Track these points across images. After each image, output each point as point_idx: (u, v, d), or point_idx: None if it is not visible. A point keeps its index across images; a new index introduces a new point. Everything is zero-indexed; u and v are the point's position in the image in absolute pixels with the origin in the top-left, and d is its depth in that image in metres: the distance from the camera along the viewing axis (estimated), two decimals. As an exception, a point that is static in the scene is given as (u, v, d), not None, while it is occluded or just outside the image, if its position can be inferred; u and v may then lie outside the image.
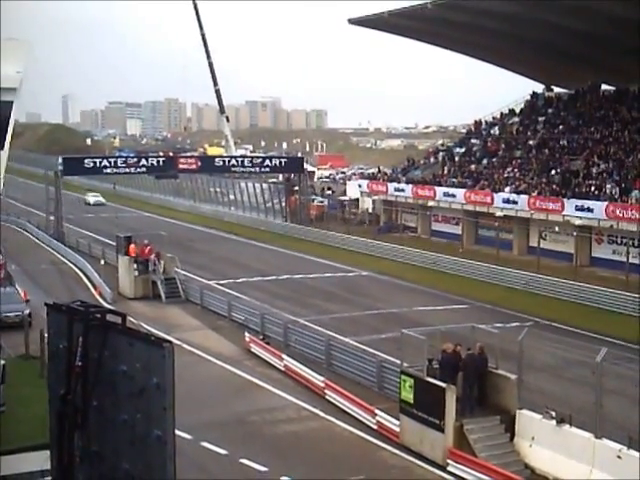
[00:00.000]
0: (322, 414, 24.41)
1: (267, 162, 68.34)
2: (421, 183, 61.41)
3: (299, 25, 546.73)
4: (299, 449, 22.09)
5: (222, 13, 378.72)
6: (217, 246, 58.81)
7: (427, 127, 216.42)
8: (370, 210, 67.40)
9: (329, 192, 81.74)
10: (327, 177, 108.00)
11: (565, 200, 48.16)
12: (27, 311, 32.63)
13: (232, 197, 76.97)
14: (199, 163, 66.64)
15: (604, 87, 60.65)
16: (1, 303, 32.84)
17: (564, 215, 47.93)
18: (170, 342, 7.02)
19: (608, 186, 47.44)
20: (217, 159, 71.20)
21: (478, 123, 68.01)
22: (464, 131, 76.94)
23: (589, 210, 46.44)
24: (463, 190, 56.18)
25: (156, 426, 7.06)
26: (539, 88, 66.79)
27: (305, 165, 73.85)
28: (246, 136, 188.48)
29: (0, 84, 17.71)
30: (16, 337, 27.68)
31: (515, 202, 51.56)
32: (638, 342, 29.42)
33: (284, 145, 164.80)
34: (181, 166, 64.67)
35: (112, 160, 64.00)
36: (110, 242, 49.00)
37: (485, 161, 60.58)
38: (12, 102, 18.55)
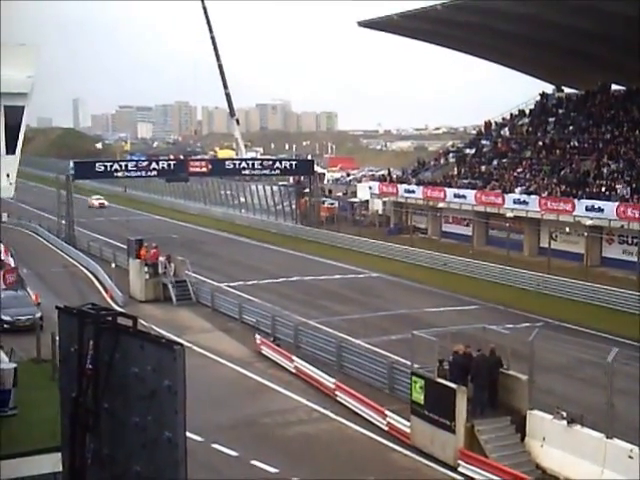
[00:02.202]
0: (333, 416, 24.45)
1: (277, 165, 68.51)
2: (431, 184, 61.35)
3: (309, 28, 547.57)
4: (310, 451, 22.13)
5: (232, 16, 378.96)
6: (228, 248, 58.88)
7: (437, 128, 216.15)
8: (380, 212, 67.34)
9: (329, 194, 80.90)
10: (337, 180, 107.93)
11: (576, 200, 48.03)
12: (38, 314, 32.78)
13: (243, 200, 77.01)
14: (210, 166, 66.68)
15: (614, 87, 60.50)
16: (13, 306, 33.06)
17: (575, 215, 47.80)
18: (181, 344, 7.06)
19: (619, 186, 47.33)
20: (227, 162, 71.35)
21: (488, 124, 67.89)
22: (474, 132, 76.86)
23: (600, 210, 46.30)
24: (473, 191, 56.09)
25: (167, 428, 7.09)
26: (549, 89, 66.70)
27: (315, 167, 73.85)
28: (256, 139, 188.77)
29: (11, 89, 17.81)
30: (27, 340, 27.73)
31: (526, 203, 51.46)
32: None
33: (294, 147, 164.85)
34: (192, 169, 64.77)
35: (123, 164, 64.29)
36: (121, 245, 49.16)
37: (495, 162, 60.49)
38: (23, 107, 18.63)
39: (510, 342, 21.85)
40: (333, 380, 26.25)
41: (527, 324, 32.83)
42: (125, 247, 45.31)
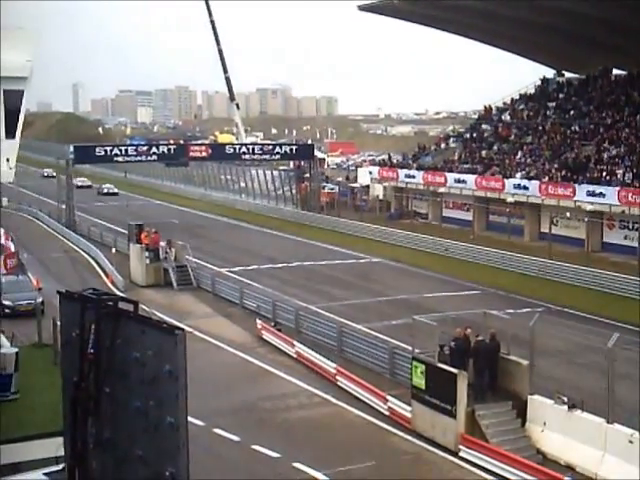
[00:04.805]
0: (334, 400, 24.46)
1: (277, 149, 68.38)
2: (432, 169, 61.27)
3: (309, 12, 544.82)
4: (311, 435, 22.14)
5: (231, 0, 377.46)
6: (228, 234, 58.84)
7: (438, 113, 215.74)
8: (381, 197, 67.27)
9: (327, 180, 79.98)
10: (337, 164, 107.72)
11: (576, 185, 47.98)
12: (39, 299, 32.74)
13: (243, 185, 76.94)
14: (210, 151, 66.57)
15: (615, 72, 60.31)
16: (14, 291, 33.08)
17: (575, 201, 47.76)
18: (182, 329, 7.05)
19: (620, 171, 47.24)
20: (228, 147, 71.23)
21: (489, 109, 67.73)
22: (475, 117, 76.71)
23: (601, 195, 46.24)
24: (474, 176, 56.03)
25: (169, 413, 7.10)
26: (550, 73, 66.47)
27: (315, 152, 73.69)
28: (256, 123, 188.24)
29: (11, 73, 17.75)
30: (29, 325, 27.77)
31: (526, 188, 51.38)
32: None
33: (294, 132, 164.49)
34: (192, 154, 64.68)
35: (123, 148, 64.15)
36: (122, 230, 49.13)
37: (496, 147, 60.39)
38: (23, 91, 18.60)
39: (511, 327, 21.85)
40: (334, 365, 26.26)
41: (528, 309, 32.74)
42: (126, 232, 45.31)
